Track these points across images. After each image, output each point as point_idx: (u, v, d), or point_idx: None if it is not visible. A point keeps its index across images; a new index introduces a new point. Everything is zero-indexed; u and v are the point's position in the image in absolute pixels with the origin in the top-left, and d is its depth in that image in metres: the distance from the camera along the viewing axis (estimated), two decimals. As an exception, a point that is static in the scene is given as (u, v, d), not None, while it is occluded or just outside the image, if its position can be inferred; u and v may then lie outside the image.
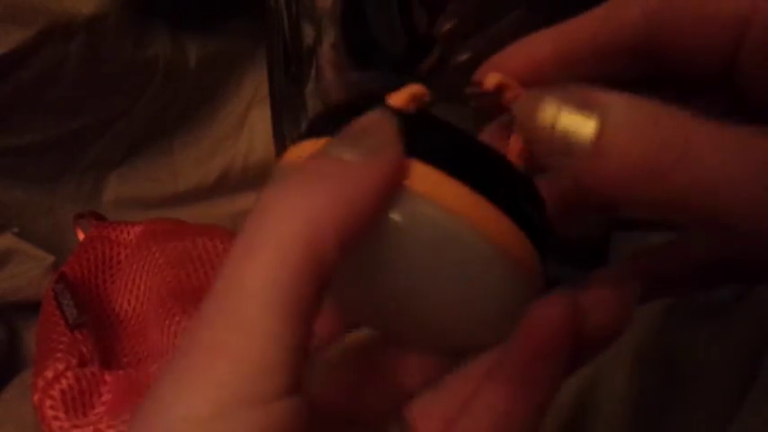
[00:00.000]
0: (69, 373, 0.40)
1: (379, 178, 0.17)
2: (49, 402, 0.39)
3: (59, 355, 0.41)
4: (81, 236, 0.50)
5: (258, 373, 0.15)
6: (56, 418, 0.39)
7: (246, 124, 0.58)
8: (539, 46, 0.21)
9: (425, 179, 0.18)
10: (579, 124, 0.16)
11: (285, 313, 0.16)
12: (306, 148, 0.19)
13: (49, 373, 0.40)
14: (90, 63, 0.49)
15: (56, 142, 0.53)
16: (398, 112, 0.18)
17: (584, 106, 0.17)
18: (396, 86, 0.20)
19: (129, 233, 0.49)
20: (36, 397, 0.40)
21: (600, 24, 0.20)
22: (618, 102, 0.17)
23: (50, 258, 0.51)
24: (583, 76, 0.20)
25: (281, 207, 0.16)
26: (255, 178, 0.58)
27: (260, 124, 0.57)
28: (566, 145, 0.17)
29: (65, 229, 0.53)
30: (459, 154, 0.18)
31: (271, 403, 0.15)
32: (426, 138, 0.18)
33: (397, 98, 0.19)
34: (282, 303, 0.16)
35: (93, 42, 0.49)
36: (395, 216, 0.18)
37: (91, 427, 0.39)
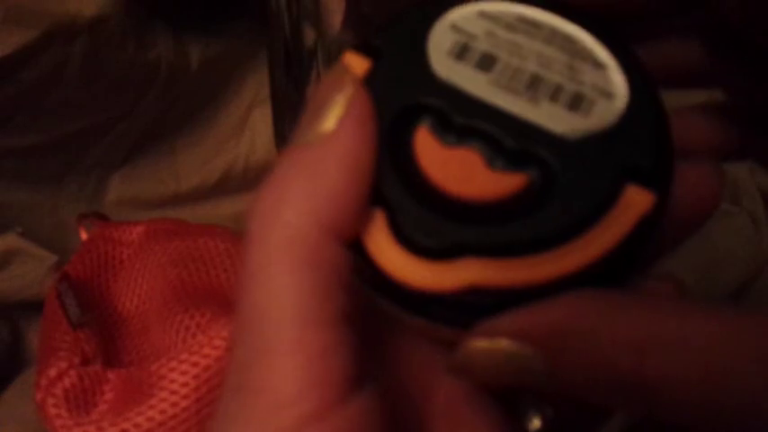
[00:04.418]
0: (72, 372, 0.40)
1: (343, 154, 0.16)
2: (51, 401, 0.39)
3: (62, 353, 0.41)
4: (84, 236, 0.50)
5: (288, 402, 0.14)
6: (59, 416, 0.39)
7: (248, 125, 0.58)
8: None
9: None
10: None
11: (302, 321, 0.15)
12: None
13: (52, 372, 0.40)
14: (92, 65, 0.49)
15: (59, 143, 0.53)
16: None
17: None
18: None
19: (131, 233, 0.50)
20: (39, 396, 0.40)
21: None
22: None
23: (53, 258, 0.51)
24: None
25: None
26: (257, 179, 0.58)
27: (261, 125, 0.58)
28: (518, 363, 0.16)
29: (68, 229, 0.53)
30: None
31: (321, 422, 0.14)
32: None
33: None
34: (297, 312, 0.15)
35: (96, 44, 0.49)
36: None
37: (94, 426, 0.39)
